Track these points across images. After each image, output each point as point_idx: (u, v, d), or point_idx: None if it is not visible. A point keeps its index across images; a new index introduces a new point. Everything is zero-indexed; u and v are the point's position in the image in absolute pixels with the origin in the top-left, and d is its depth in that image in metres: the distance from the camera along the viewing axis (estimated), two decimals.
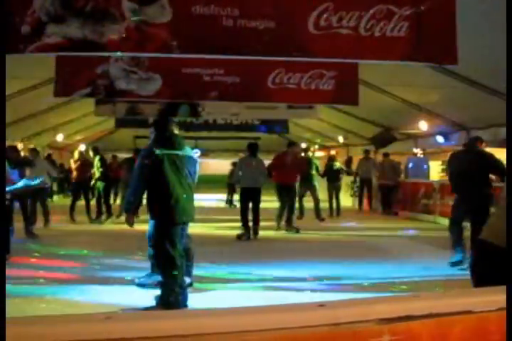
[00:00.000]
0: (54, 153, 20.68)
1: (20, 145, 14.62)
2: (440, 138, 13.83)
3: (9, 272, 5.70)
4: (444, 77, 9.67)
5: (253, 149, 10.95)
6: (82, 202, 13.57)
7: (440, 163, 17.30)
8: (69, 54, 7.10)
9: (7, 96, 9.30)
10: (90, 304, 5.56)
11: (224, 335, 1.39)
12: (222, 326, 1.41)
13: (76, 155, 14.21)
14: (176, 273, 5.34)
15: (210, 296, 6.03)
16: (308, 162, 13.68)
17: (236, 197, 16.07)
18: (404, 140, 16.14)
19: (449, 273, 7.24)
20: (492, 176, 8.11)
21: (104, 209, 13.55)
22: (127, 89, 9.80)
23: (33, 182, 8.52)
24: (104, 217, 13.44)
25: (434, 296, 1.87)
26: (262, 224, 11.04)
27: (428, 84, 10.75)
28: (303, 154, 14.43)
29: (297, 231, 11.57)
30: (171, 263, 5.36)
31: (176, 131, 5.82)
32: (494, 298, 1.66)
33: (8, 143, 10.49)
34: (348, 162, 18.85)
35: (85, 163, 13.66)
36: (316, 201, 13.71)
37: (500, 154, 8.48)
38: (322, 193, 14.38)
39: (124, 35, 5.47)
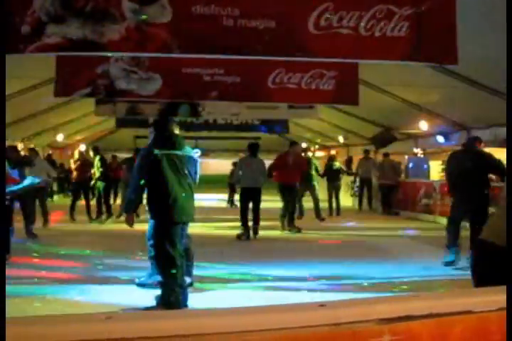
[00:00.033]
0: (54, 153, 20.69)
1: (20, 145, 14.63)
2: (440, 138, 13.83)
3: (9, 272, 5.72)
4: (444, 77, 9.67)
5: (254, 149, 10.94)
6: (82, 202, 13.58)
7: (440, 162, 17.28)
8: (69, 54, 7.09)
9: (7, 96, 9.30)
10: (91, 304, 5.57)
11: (225, 335, 1.39)
12: (223, 326, 1.41)
13: (76, 155, 14.22)
14: (175, 272, 5.34)
15: (210, 296, 6.03)
16: (308, 162, 13.68)
17: (237, 197, 16.07)
18: (404, 140, 16.14)
19: (449, 273, 7.24)
20: (492, 176, 8.12)
21: (104, 209, 13.57)
22: (127, 89, 9.79)
23: (37, 180, 8.60)
24: (104, 216, 13.45)
25: (434, 296, 1.87)
26: (263, 224, 11.04)
27: (428, 84, 10.74)
28: (303, 154, 14.43)
29: (299, 230, 11.57)
30: (170, 263, 5.35)
31: (177, 131, 5.82)
32: (494, 297, 1.66)
33: (8, 143, 10.50)
34: (348, 162, 18.86)
35: (85, 163, 13.67)
36: (316, 201, 13.71)
37: (501, 154, 8.49)
38: (322, 193, 14.38)
39: (124, 35, 5.47)
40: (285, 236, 11.34)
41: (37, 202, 11.48)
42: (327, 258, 8.41)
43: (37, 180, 8.57)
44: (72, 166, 14.11)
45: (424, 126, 13.82)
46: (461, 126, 13.02)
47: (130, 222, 5.60)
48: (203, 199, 16.20)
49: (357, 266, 7.75)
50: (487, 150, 8.63)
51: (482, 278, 2.61)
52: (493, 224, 2.78)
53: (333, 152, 20.06)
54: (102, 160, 13.43)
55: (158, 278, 5.53)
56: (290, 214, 11.77)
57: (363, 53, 6.04)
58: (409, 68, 8.76)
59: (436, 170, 17.75)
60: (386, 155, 16.10)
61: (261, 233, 10.84)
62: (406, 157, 16.95)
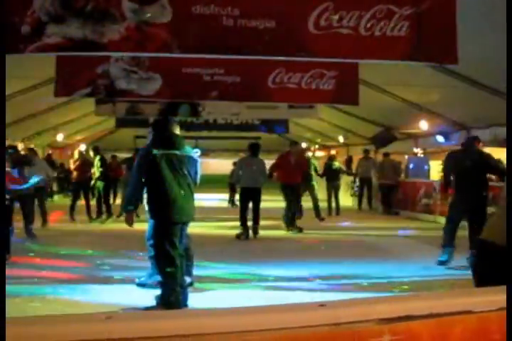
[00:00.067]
0: (54, 153, 20.69)
1: (20, 145, 14.63)
2: (440, 138, 13.82)
3: (9, 272, 5.71)
4: (444, 77, 9.67)
5: (255, 149, 10.93)
6: (82, 202, 13.58)
7: (440, 162, 17.21)
8: (69, 54, 7.08)
9: (7, 96, 9.30)
10: (91, 304, 5.56)
11: (225, 335, 1.39)
12: (223, 326, 1.41)
13: (76, 155, 14.21)
14: (175, 272, 5.34)
15: (210, 296, 6.03)
16: (307, 162, 13.68)
17: (237, 196, 16.06)
18: (404, 139, 16.13)
19: (449, 273, 7.24)
20: (491, 176, 8.12)
21: (104, 208, 13.56)
22: (127, 88, 9.79)
23: (41, 177, 8.67)
24: (104, 216, 13.45)
25: (434, 296, 1.87)
26: (263, 223, 11.04)
27: (428, 83, 10.74)
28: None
29: (300, 230, 11.57)
30: (170, 263, 5.35)
31: (177, 131, 5.81)
32: (494, 297, 1.66)
33: (8, 143, 10.50)
34: (348, 162, 18.85)
35: (85, 163, 13.66)
36: (315, 201, 13.71)
37: (500, 154, 8.50)
38: (321, 193, 14.37)
39: (124, 35, 5.46)
40: (285, 236, 11.34)
41: (36, 202, 11.48)
42: (327, 258, 8.41)
43: (41, 177, 8.64)
44: (72, 166, 14.10)
45: (424, 125, 13.82)
46: (461, 126, 13.02)
47: (130, 221, 5.59)
48: (204, 199, 16.19)
49: (357, 266, 7.74)
50: (487, 150, 8.63)
51: (483, 278, 2.62)
52: (493, 224, 2.78)
53: (333, 152, 20.06)
54: (102, 160, 13.43)
55: (158, 278, 5.53)
56: (292, 214, 11.76)
57: (363, 53, 6.04)
58: (409, 68, 8.76)
59: (436, 169, 17.72)
60: (386, 155, 16.10)
61: (261, 233, 10.85)
62: (406, 157, 16.95)
